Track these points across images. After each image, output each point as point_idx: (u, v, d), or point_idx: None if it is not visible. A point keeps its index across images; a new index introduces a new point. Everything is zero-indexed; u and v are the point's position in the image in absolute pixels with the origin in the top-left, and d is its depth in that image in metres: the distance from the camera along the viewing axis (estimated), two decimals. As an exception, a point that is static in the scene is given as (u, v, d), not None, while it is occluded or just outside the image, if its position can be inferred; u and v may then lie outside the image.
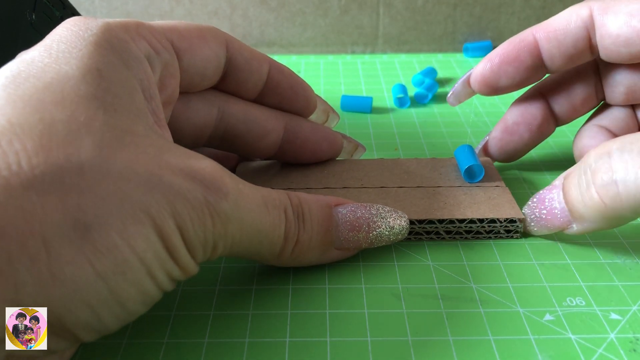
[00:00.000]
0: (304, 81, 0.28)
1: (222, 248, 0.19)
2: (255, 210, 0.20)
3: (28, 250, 0.15)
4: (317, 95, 0.29)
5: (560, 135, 0.36)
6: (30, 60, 0.18)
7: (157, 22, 0.22)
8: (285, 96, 0.27)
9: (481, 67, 0.29)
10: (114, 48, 0.19)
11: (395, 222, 0.24)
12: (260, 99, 0.27)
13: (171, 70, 0.22)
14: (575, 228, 0.24)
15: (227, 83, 0.26)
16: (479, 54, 0.51)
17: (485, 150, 0.32)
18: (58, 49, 0.19)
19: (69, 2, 0.31)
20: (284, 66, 0.27)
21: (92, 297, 0.16)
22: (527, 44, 0.28)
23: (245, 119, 0.27)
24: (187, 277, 0.19)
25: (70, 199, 0.15)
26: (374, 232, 0.23)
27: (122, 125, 0.18)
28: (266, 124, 0.27)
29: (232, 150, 0.28)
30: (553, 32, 0.28)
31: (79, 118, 0.17)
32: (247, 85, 0.26)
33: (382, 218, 0.23)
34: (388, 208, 0.24)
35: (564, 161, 0.34)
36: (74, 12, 0.31)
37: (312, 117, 0.29)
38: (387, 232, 0.24)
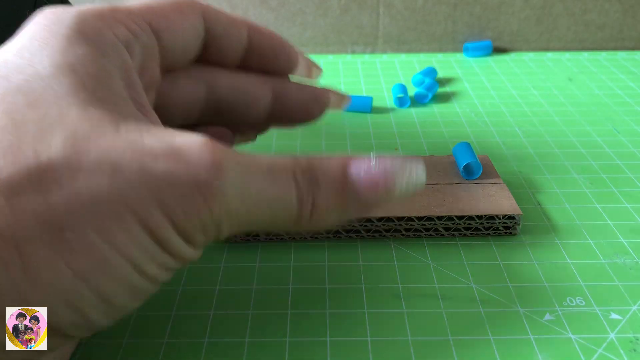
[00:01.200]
0: (284, 38, 0.27)
1: (228, 227, 0.18)
2: (260, 179, 0.18)
3: (0, 255, 0.14)
4: (298, 50, 0.27)
5: (560, 135, 0.36)
6: (3, 62, 0.18)
7: (134, 3, 0.22)
8: (268, 57, 0.26)
9: None
10: (87, 39, 0.19)
11: (412, 171, 0.22)
12: (244, 64, 0.26)
13: (151, 53, 0.21)
14: None
15: (209, 54, 0.25)
16: (479, 53, 0.51)
17: None
18: (30, 48, 0.18)
19: (69, 2, 0.31)
20: (262, 27, 0.26)
21: (73, 297, 0.15)
22: None
23: (233, 88, 0.26)
24: (188, 262, 0.18)
25: (40, 199, 0.15)
26: (393, 186, 0.21)
27: (98, 116, 0.17)
28: (254, 91, 0.26)
29: (225, 123, 0.27)
30: None
31: (51, 116, 0.16)
32: (229, 52, 0.25)
33: (399, 169, 0.21)
34: (403, 158, 0.22)
35: (564, 160, 0.34)
36: None
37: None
38: (405, 185, 0.22)
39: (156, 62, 0.22)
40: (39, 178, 0.15)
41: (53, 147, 0.16)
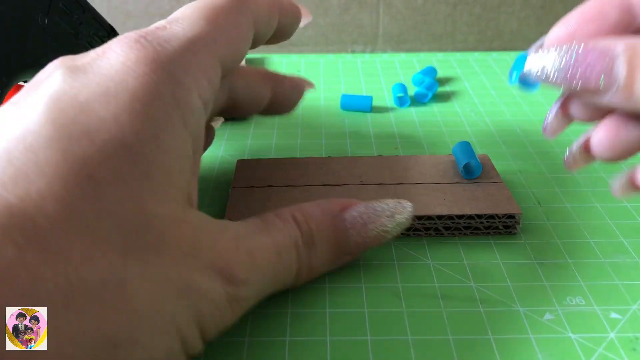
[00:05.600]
0: (297, 7, 0.26)
1: (237, 320, 0.19)
2: (271, 269, 0.20)
3: None
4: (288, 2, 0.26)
5: (560, 134, 0.36)
6: (86, 107, 0.16)
7: (209, 35, 0.20)
8: (284, 32, 0.26)
9: (556, 31, 0.22)
10: (178, 103, 0.18)
11: (402, 214, 0.23)
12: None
13: (216, 95, 0.21)
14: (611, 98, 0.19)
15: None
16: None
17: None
18: (117, 98, 0.17)
19: (88, 4, 0.31)
20: (285, 2, 0.25)
21: None
22: None
23: (248, 91, 0.27)
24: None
25: (106, 317, 0.15)
26: (383, 232, 0.23)
27: (167, 215, 0.17)
28: (261, 92, 0.27)
29: (231, 116, 0.28)
30: None
31: (127, 207, 0.16)
32: (260, 42, 0.25)
33: (389, 216, 0.23)
34: (392, 202, 0.23)
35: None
36: (95, 16, 0.31)
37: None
38: (394, 228, 0.23)
39: (216, 96, 0.22)
40: (109, 295, 0.15)
41: (128, 262, 0.16)
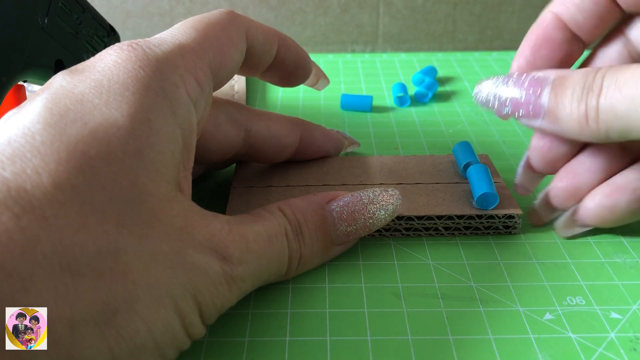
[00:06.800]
0: (305, 53, 0.28)
1: (235, 302, 0.20)
2: (263, 254, 0.20)
3: (53, 334, 0.15)
4: (312, 60, 0.29)
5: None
6: (80, 97, 0.18)
7: (198, 43, 0.21)
8: (288, 71, 0.27)
9: (516, 63, 0.26)
10: (165, 94, 0.19)
11: (388, 202, 0.24)
12: (263, 74, 0.27)
13: (208, 100, 0.22)
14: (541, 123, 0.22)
15: (240, 69, 0.25)
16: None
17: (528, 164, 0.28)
18: (109, 89, 0.18)
19: (88, 4, 0.31)
20: (289, 39, 0.27)
21: None
22: (551, 21, 0.25)
23: (269, 135, 0.28)
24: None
25: (103, 283, 0.15)
26: (370, 220, 0.24)
27: (159, 193, 0.18)
28: (286, 139, 0.28)
29: (250, 159, 0.29)
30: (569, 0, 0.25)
31: (121, 183, 0.17)
32: (258, 66, 0.26)
33: (375, 203, 0.24)
34: (378, 190, 0.24)
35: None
36: (94, 15, 0.31)
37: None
38: (382, 215, 0.24)
39: (209, 106, 0.22)
40: (105, 262, 0.16)
41: (121, 233, 0.16)
